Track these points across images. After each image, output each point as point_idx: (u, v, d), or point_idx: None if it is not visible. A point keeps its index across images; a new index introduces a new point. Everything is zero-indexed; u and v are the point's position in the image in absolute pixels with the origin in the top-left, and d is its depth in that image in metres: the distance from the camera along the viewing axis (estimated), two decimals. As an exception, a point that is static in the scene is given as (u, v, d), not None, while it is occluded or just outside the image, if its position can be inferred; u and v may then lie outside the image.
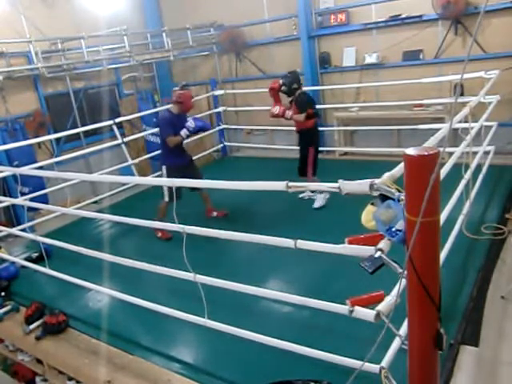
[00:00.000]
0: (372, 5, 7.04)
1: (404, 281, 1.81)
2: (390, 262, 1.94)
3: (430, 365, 1.88)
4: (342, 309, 2.27)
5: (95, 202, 6.43)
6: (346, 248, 2.16)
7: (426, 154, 1.61)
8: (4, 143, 5.99)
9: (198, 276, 2.85)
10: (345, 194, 2.09)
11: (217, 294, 2.90)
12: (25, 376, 4.09)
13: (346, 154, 7.64)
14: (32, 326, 3.65)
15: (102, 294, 3.87)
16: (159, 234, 4.99)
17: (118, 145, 6.48)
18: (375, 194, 1.97)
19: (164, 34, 8.15)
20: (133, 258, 3.27)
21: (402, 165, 1.78)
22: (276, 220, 5.14)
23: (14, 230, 4.93)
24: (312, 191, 5.29)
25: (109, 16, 7.84)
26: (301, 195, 5.61)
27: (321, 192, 5.22)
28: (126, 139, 6.62)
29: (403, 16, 6.76)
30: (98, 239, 5.31)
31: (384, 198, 1.93)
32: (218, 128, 8.36)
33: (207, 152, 8.17)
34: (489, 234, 4.16)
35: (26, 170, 4.68)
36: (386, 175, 2.02)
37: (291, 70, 5.73)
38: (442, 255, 2.94)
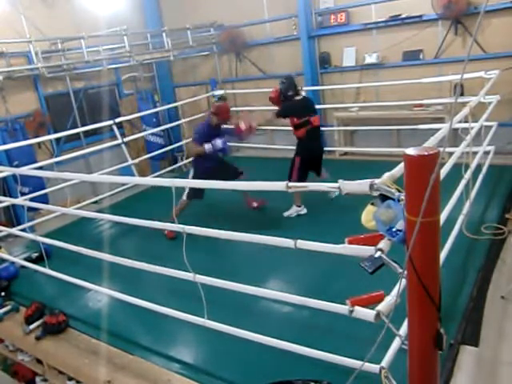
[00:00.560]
0: (372, 5, 7.04)
1: (404, 281, 1.81)
2: (390, 262, 1.94)
3: (429, 365, 1.88)
4: (341, 309, 2.27)
5: (95, 202, 6.43)
6: (346, 248, 2.16)
7: (425, 153, 1.61)
8: (4, 143, 5.99)
9: (197, 276, 2.85)
10: (345, 193, 2.09)
11: (217, 294, 2.90)
12: (25, 376, 4.09)
13: (346, 153, 7.64)
14: (32, 326, 3.65)
15: (102, 294, 3.86)
16: (165, 232, 4.97)
17: (118, 145, 6.47)
18: (375, 193, 1.97)
19: (164, 34, 8.15)
20: (133, 258, 3.27)
21: (401, 165, 1.78)
22: (276, 220, 5.14)
23: (14, 230, 4.93)
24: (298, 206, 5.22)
25: (109, 16, 7.84)
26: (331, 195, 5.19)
27: (298, 206, 5.22)
28: (125, 139, 6.62)
29: (403, 16, 6.76)
30: (97, 239, 5.31)
31: (384, 197, 1.93)
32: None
33: (207, 152, 8.17)
34: (489, 233, 4.16)
35: (26, 170, 4.68)
36: (386, 175, 2.02)
37: (287, 75, 5.55)
38: (442, 255, 2.94)
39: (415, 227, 1.61)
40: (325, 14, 7.46)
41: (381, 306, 2.10)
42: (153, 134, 7.91)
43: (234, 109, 8.47)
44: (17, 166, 5.89)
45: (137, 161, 6.74)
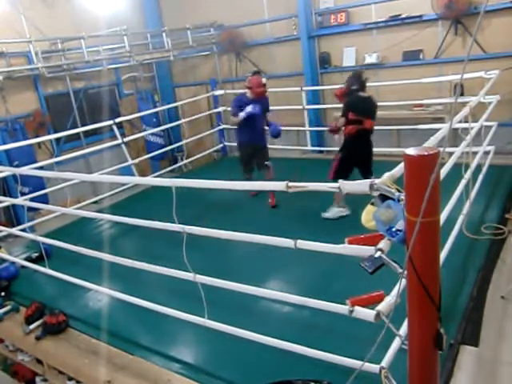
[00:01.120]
0: (372, 5, 7.04)
1: (404, 281, 1.81)
2: (390, 262, 1.94)
3: (430, 365, 1.88)
4: (341, 309, 2.27)
5: (95, 202, 6.43)
6: (346, 248, 2.16)
7: (425, 153, 1.62)
8: (4, 143, 5.99)
9: (197, 276, 2.85)
10: (345, 193, 2.09)
11: (217, 293, 2.90)
12: (25, 376, 4.09)
13: (346, 154, 7.62)
14: (32, 326, 3.65)
15: (102, 294, 3.86)
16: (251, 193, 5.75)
17: (118, 145, 6.47)
18: (375, 193, 1.97)
19: (164, 34, 8.15)
20: (133, 258, 3.27)
21: (401, 165, 1.78)
22: (276, 220, 5.14)
23: (14, 230, 4.93)
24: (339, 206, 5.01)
25: (109, 16, 7.84)
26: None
27: (342, 207, 4.98)
28: (126, 139, 6.62)
29: (403, 16, 6.76)
30: (97, 239, 5.31)
31: (384, 197, 1.93)
32: (218, 128, 8.36)
33: (207, 152, 8.18)
34: (489, 233, 4.16)
35: (26, 170, 4.68)
36: (386, 175, 2.03)
37: (356, 69, 5.48)
38: (442, 255, 2.94)
39: (415, 227, 1.61)
40: (325, 13, 7.46)
41: (381, 306, 2.10)
42: (153, 134, 7.91)
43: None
44: (17, 166, 5.90)
45: (137, 161, 6.74)
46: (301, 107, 7.39)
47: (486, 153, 5.00)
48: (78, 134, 7.03)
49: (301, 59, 7.75)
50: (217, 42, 8.72)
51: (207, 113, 8.49)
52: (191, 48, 8.61)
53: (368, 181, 1.97)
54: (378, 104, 5.08)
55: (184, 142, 8.01)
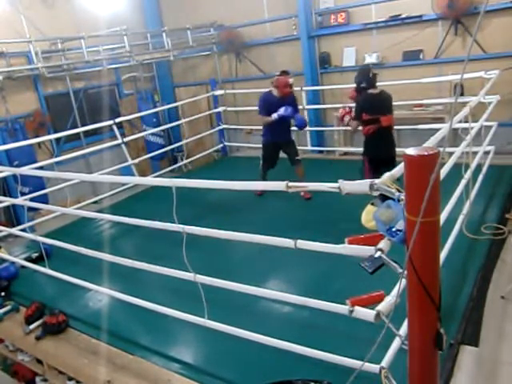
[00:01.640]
0: (372, 5, 7.04)
1: (404, 281, 1.81)
2: (390, 261, 1.94)
3: (430, 365, 1.89)
4: (342, 309, 2.27)
5: (95, 202, 6.43)
6: (346, 248, 2.16)
7: (425, 154, 1.62)
8: (4, 143, 5.99)
9: (197, 276, 2.85)
10: (345, 193, 2.09)
11: (217, 293, 2.90)
12: (25, 376, 4.09)
13: (345, 154, 7.63)
14: (32, 326, 3.65)
15: (102, 294, 3.86)
16: (257, 192, 5.78)
17: (118, 145, 6.47)
18: (375, 193, 1.97)
19: (164, 34, 8.15)
20: (133, 258, 3.27)
21: (401, 165, 1.78)
22: (276, 220, 5.14)
23: (14, 230, 4.93)
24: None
25: (109, 16, 7.84)
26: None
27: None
28: (126, 139, 6.62)
29: (403, 16, 6.76)
30: (97, 239, 5.31)
31: (384, 198, 1.93)
32: (218, 128, 8.36)
33: (207, 152, 8.18)
34: (489, 234, 4.16)
35: (26, 170, 4.68)
36: (386, 175, 2.03)
37: (362, 65, 5.46)
38: (442, 255, 2.94)
39: (415, 227, 1.61)
40: (325, 13, 7.46)
41: (381, 306, 2.10)
42: (153, 134, 7.91)
43: (233, 109, 8.52)
44: (17, 166, 5.89)
45: (137, 161, 6.74)
46: (301, 107, 7.38)
47: (486, 153, 5.00)
48: (77, 134, 7.03)
49: (301, 59, 7.75)
50: (217, 42, 8.72)
51: (207, 113, 8.49)
52: (191, 48, 8.61)
53: (368, 181, 1.97)
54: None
55: (184, 141, 8.01)
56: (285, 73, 5.73)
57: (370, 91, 4.73)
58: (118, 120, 6.55)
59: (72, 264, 4.24)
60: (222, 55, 8.90)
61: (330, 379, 2.56)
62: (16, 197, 5.50)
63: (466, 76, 5.24)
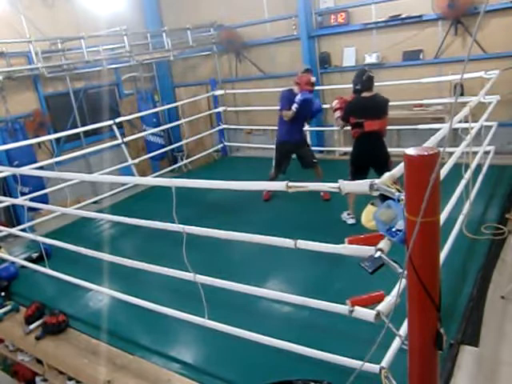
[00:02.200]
0: (372, 5, 7.04)
1: (404, 281, 1.81)
2: (389, 261, 1.94)
3: (429, 365, 1.88)
4: (341, 309, 2.27)
5: (95, 202, 6.43)
6: (346, 248, 2.16)
7: (425, 154, 1.62)
8: (4, 143, 5.99)
9: (197, 276, 2.85)
10: (345, 193, 2.09)
11: (217, 293, 2.90)
12: (25, 376, 4.09)
13: (345, 154, 7.62)
14: (32, 326, 3.65)
15: (102, 294, 3.86)
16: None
17: (118, 145, 6.48)
18: (375, 193, 1.97)
19: (164, 34, 8.15)
20: (133, 258, 3.27)
21: (402, 165, 1.78)
22: (276, 220, 5.14)
23: (14, 230, 4.93)
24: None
25: (109, 16, 7.83)
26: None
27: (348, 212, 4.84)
28: (125, 139, 6.62)
29: (403, 16, 6.76)
30: (97, 239, 5.31)
31: (384, 198, 1.93)
32: (218, 128, 8.36)
33: (207, 152, 8.18)
34: (489, 234, 4.16)
35: (26, 170, 4.67)
36: (386, 175, 2.03)
37: (360, 67, 5.36)
38: (442, 255, 2.94)
39: (415, 227, 1.61)
40: (325, 13, 7.46)
41: (381, 306, 2.10)
42: (153, 134, 7.91)
43: (233, 109, 8.53)
44: (17, 166, 5.89)
45: (137, 161, 6.74)
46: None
47: (486, 153, 5.00)
48: (78, 134, 7.02)
49: (301, 59, 7.74)
50: (217, 42, 8.72)
51: (207, 113, 8.49)
52: (191, 48, 8.61)
53: (368, 181, 1.97)
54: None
55: (184, 141, 8.01)
56: (308, 71, 5.70)
57: (364, 94, 4.61)
58: (118, 120, 6.54)
59: (72, 264, 4.24)
60: (221, 55, 8.91)
61: (330, 379, 2.56)
62: (16, 197, 5.50)
63: (466, 76, 5.24)
